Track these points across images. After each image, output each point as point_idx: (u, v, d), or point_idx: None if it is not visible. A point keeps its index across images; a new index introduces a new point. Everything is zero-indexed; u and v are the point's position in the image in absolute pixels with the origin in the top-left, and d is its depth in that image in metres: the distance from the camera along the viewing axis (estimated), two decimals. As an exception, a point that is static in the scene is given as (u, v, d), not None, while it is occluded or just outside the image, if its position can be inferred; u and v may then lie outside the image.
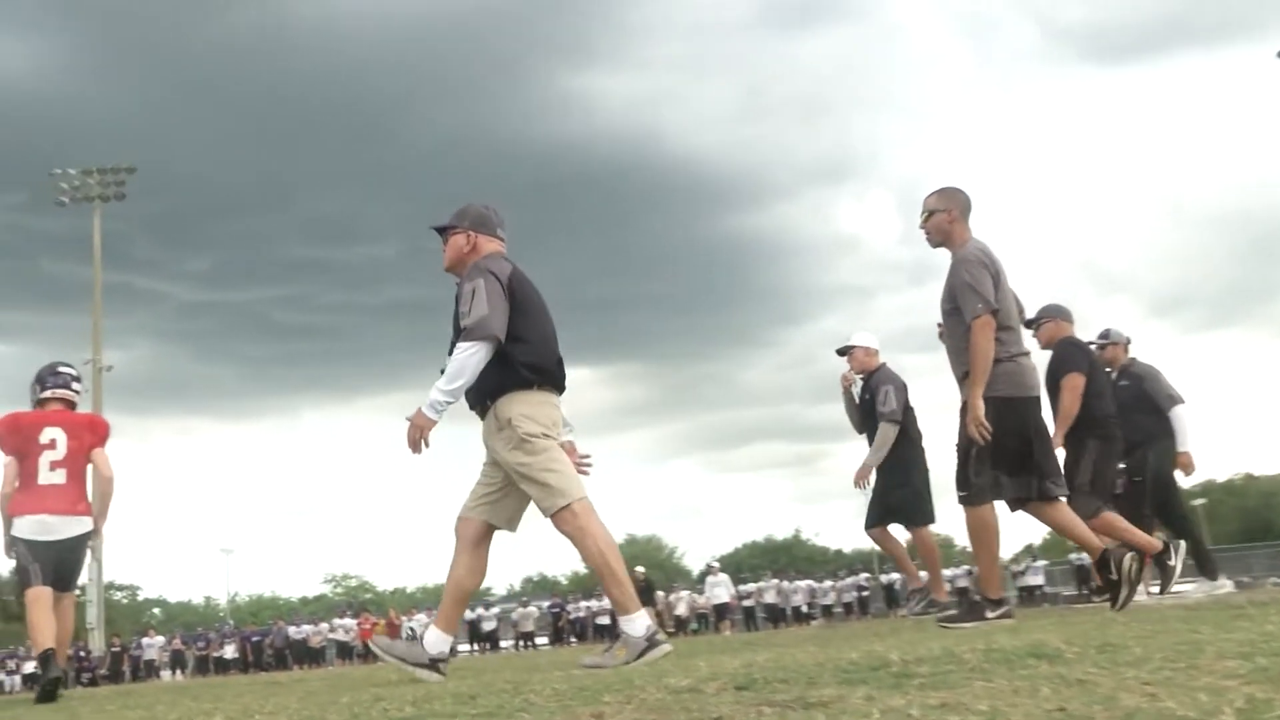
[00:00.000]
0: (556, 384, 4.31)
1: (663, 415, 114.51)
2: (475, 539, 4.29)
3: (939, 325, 5.73)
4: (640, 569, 33.82)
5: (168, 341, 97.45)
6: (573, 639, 29.29)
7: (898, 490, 7.45)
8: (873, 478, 7.54)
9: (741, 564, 58.21)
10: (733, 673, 2.45)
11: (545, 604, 33.00)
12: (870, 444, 7.55)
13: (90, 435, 6.44)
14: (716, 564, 31.51)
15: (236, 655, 30.73)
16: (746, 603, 29.47)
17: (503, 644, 30.87)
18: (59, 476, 6.27)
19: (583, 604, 30.86)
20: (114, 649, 31.49)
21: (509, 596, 58.14)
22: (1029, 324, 6.79)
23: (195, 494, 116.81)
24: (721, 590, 28.03)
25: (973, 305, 5.02)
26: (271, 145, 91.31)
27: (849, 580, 30.59)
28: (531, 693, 2.52)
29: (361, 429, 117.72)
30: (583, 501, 4.12)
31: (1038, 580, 29.14)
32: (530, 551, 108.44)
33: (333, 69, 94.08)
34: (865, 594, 30.10)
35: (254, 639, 31.73)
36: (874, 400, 7.54)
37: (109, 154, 49.88)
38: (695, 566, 68.19)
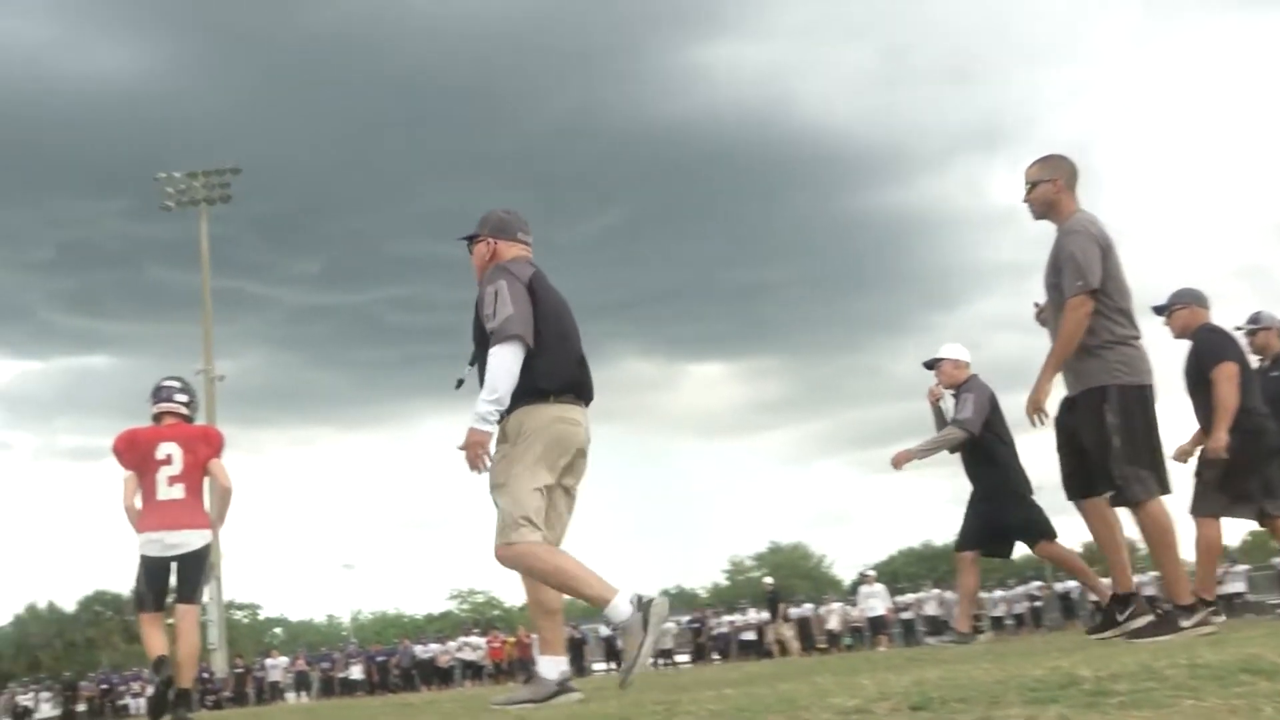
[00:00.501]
0: (578, 392, 4.43)
1: (804, 412, 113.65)
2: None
3: (1036, 306, 5.70)
4: (768, 579, 33.68)
5: (280, 348, 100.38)
6: (715, 656, 29.33)
7: (1005, 513, 7.49)
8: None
9: (898, 573, 57.45)
10: (904, 691, 2.43)
11: (684, 619, 33.11)
12: (966, 462, 7.64)
13: (205, 447, 6.86)
14: (872, 572, 31.14)
15: (362, 676, 31.57)
16: (905, 615, 29.06)
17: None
18: (177, 491, 6.72)
19: (725, 618, 30.89)
20: (237, 670, 32.75)
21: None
22: (1159, 310, 6.72)
23: (314, 507, 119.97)
24: (877, 601, 27.68)
25: (1072, 281, 5.01)
26: (381, 138, 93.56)
27: (1019, 590, 29.90)
28: (685, 714, 2.55)
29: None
30: (541, 544, 4.23)
31: (1239, 587, 28.02)
32: (666, 563, 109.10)
33: (443, 54, 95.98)
34: (1038, 604, 29.40)
35: (379, 659, 32.59)
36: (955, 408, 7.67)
37: (213, 155, 51.92)
38: (846, 576, 67.66)
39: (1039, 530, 7.51)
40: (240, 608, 77.59)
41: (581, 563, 4.27)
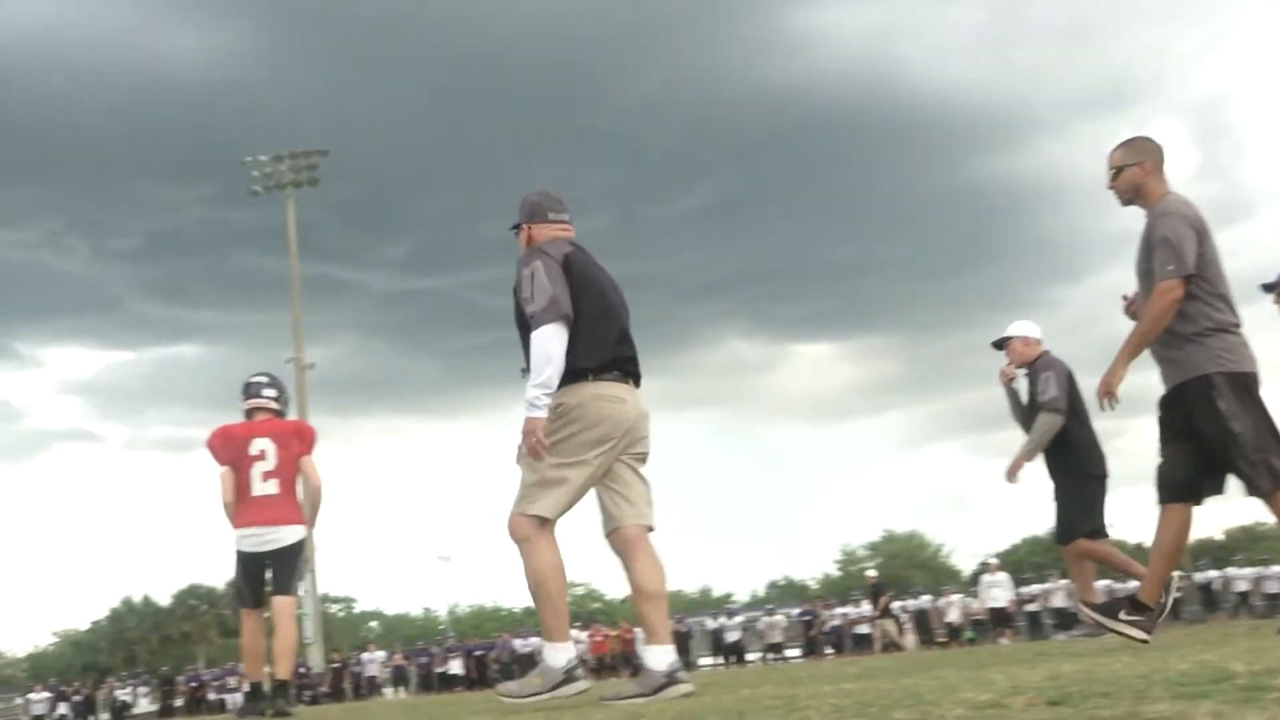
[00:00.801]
0: (623, 369, 4.50)
1: (917, 394, 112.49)
2: (626, 548, 4.51)
3: (1125, 300, 5.62)
4: (872, 571, 33.39)
5: (368, 335, 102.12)
6: (829, 650, 29.24)
7: (1070, 498, 7.47)
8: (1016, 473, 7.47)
9: (1022, 562, 56.60)
10: (1039, 686, 2.41)
11: (794, 611, 33.07)
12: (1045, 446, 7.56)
13: (298, 443, 7.11)
14: (994, 561, 30.71)
15: (462, 671, 32.04)
16: (1030, 607, 28.66)
17: (749, 656, 31.09)
18: (272, 487, 7.01)
19: (837, 610, 30.76)
20: (334, 665, 33.49)
21: (753, 604, 58.57)
22: (1269, 288, 6.57)
23: (407, 498, 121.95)
24: (1000, 592, 27.29)
25: (1163, 265, 4.95)
26: (468, 116, 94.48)
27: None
28: (808, 708, 2.55)
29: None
30: (549, 521, 4.37)
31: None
32: (774, 554, 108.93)
33: (530, 28, 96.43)
34: (1178, 595, 28.73)
35: (477, 653, 33.05)
36: (1035, 390, 7.57)
37: (299, 138, 52.94)
38: (966, 566, 66.87)
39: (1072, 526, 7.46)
40: (335, 601, 79.32)
41: (564, 588, 4.42)
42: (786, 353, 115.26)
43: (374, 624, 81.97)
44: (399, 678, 33.45)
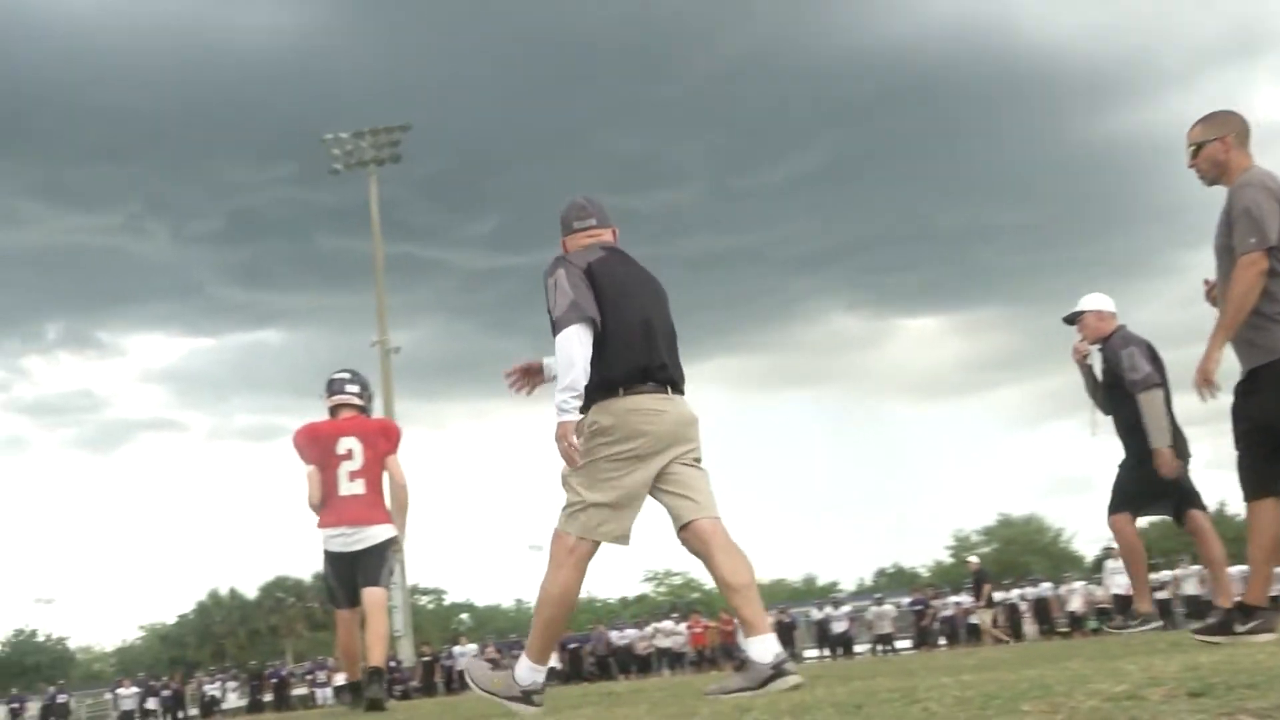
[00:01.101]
0: (658, 379, 4.55)
1: (1033, 369, 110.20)
2: (701, 544, 4.62)
3: (1206, 284, 5.53)
4: (973, 558, 32.94)
5: (454, 316, 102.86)
6: (942, 641, 29.03)
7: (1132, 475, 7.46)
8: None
9: (1151, 547, 55.54)
10: (1177, 677, 2.38)
11: (905, 600, 32.85)
12: (1120, 423, 7.55)
13: (384, 441, 7.27)
14: (1117, 546, 30.19)
15: (558, 664, 32.32)
16: (1159, 595, 28.12)
17: (857, 648, 30.99)
18: (359, 487, 7.20)
19: (950, 599, 30.51)
20: (424, 659, 33.98)
21: (860, 592, 58.27)
22: None
23: (498, 484, 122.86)
24: (1124, 579, 26.84)
25: (1244, 238, 4.86)
26: (553, 87, 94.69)
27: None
28: (928, 700, 2.54)
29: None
30: (584, 542, 4.49)
31: None
32: (882, 540, 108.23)
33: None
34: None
35: (571, 645, 33.32)
36: (1115, 369, 7.50)
37: (380, 114, 53.62)
38: (1088, 551, 65.81)
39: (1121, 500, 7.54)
40: (425, 593, 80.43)
41: (563, 619, 4.62)
42: (893, 327, 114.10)
43: (465, 616, 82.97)
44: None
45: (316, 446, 7.34)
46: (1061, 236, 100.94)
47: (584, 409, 4.49)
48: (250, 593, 65.85)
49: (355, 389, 7.57)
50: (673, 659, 31.43)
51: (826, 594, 51.29)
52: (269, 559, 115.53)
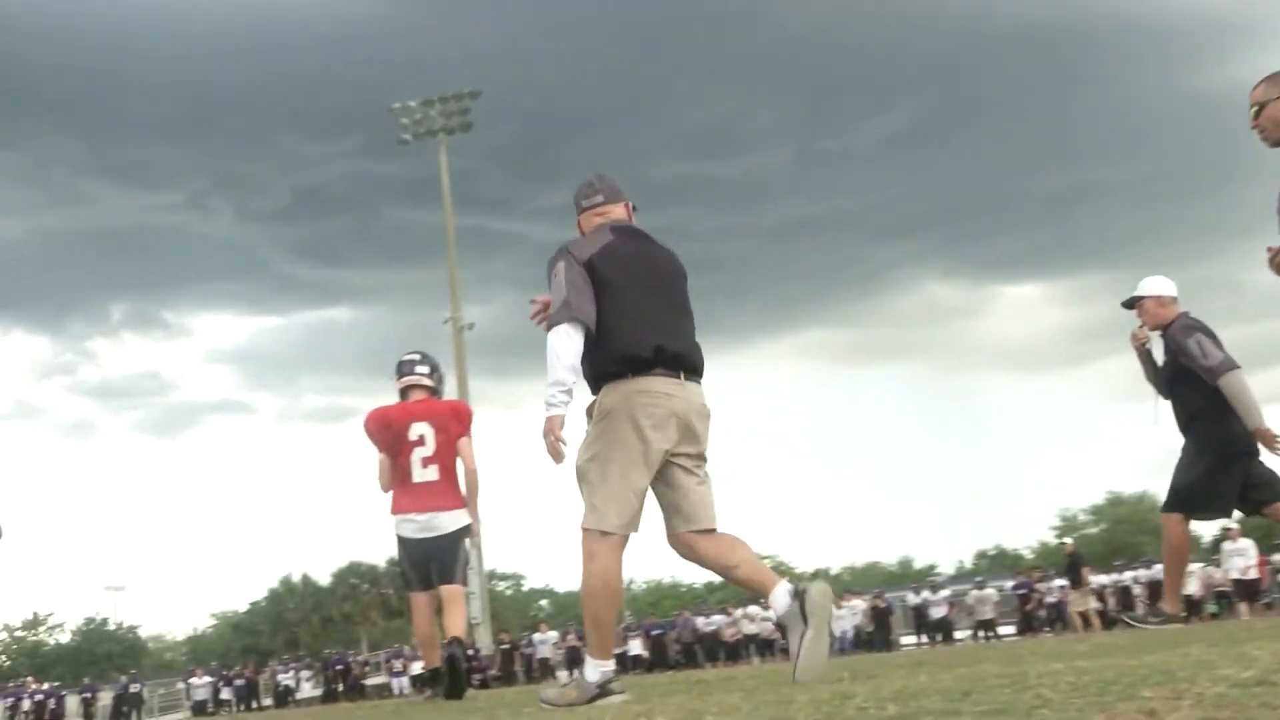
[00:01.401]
0: (668, 364, 4.66)
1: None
2: (686, 549, 4.78)
3: (1270, 251, 5.50)
4: (1068, 540, 32.49)
5: (529, 290, 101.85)
6: (1047, 630, 28.74)
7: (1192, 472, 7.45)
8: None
9: (1272, 528, 54.64)
10: (1310, 661, 2.34)
11: (1008, 584, 32.55)
12: (1179, 413, 7.59)
13: (456, 424, 7.36)
14: (1235, 526, 29.65)
15: (644, 652, 32.48)
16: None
17: (956, 634, 30.79)
18: (432, 473, 7.35)
19: (1056, 583, 30.17)
20: (503, 646, 34.31)
21: (960, 576, 57.91)
22: None
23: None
24: (1242, 561, 26.38)
25: None
26: (629, 50, 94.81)
27: None
28: (1040, 686, 2.53)
29: (759, 379, 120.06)
30: (612, 535, 4.57)
31: None
32: (983, 520, 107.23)
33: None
34: None
35: (655, 632, 33.47)
36: (1179, 356, 7.50)
37: (449, 81, 53.86)
38: (1205, 531, 64.79)
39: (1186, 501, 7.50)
40: (503, 578, 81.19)
41: (611, 606, 4.64)
42: (991, 295, 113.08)
43: (544, 603, 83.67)
44: (573, 660, 34.03)
45: (388, 433, 7.46)
46: (1172, 195, 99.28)
47: (593, 391, 4.72)
48: (323, 579, 66.77)
49: (425, 370, 7.67)
50: (762, 646, 31.43)
51: (924, 578, 50.92)
52: (342, 544, 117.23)
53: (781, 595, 4.47)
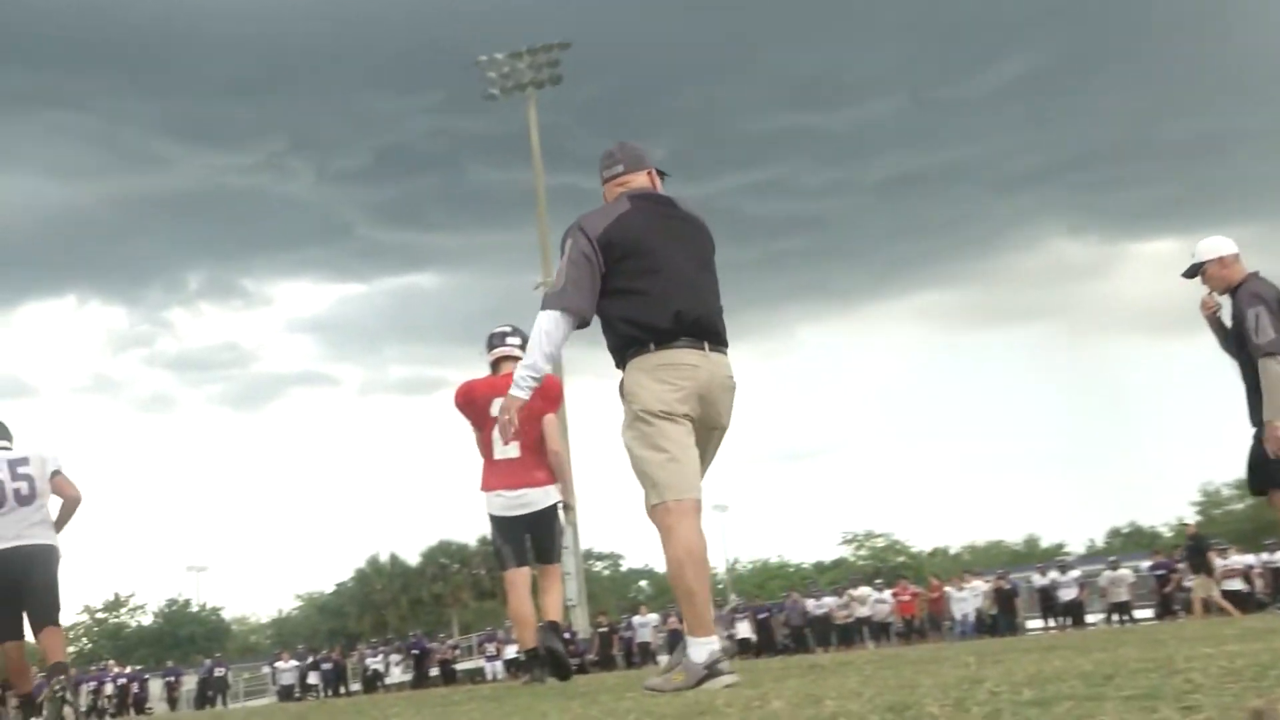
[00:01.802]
0: (692, 334, 4.83)
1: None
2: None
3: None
4: (1191, 521, 31.82)
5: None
6: (1182, 613, 28.31)
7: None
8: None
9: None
10: None
11: (1144, 565, 32.08)
12: (1247, 382, 7.60)
13: (540, 399, 7.45)
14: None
15: (752, 635, 32.50)
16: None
17: (1089, 617, 30.44)
18: (512, 450, 7.55)
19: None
20: (601, 629, 34.52)
21: (1091, 555, 57.19)
22: None
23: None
24: None
25: None
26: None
27: None
28: (1189, 670, 2.49)
29: (869, 345, 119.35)
30: (681, 501, 4.70)
31: None
32: (1115, 495, 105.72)
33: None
34: None
35: (762, 614, 33.48)
36: (1240, 327, 7.58)
37: (538, 31, 53.97)
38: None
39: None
40: (600, 558, 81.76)
41: (702, 577, 4.72)
42: (1123, 252, 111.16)
43: (644, 583, 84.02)
44: (675, 643, 34.02)
45: (472, 408, 7.67)
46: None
47: (618, 366, 4.93)
48: (412, 559, 67.42)
49: (516, 341, 7.80)
50: (876, 630, 31.32)
51: (1051, 557, 50.41)
52: (431, 523, 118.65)
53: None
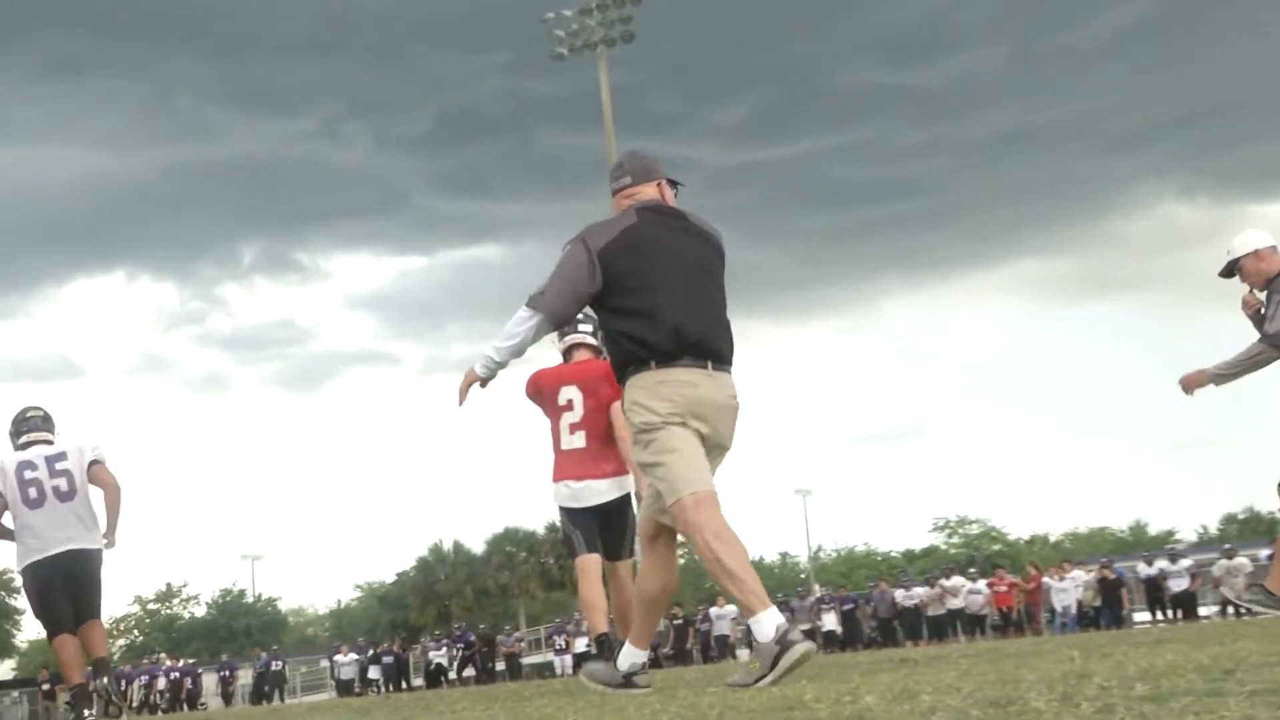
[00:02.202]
0: (694, 353, 5.05)
1: None
2: (651, 536, 5.28)
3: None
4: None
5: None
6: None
7: None
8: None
9: None
10: None
11: (1263, 553, 31.70)
12: None
13: (609, 388, 7.58)
14: None
15: (838, 627, 32.45)
16: None
17: (1202, 610, 30.15)
18: (579, 440, 7.68)
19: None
20: (676, 622, 34.57)
21: (1204, 543, 56.59)
22: None
23: (758, 420, 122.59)
24: None
25: None
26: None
27: None
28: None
29: (967, 317, 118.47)
30: (696, 495, 4.90)
31: None
32: (1231, 479, 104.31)
33: None
34: None
35: (847, 607, 33.41)
36: (1266, 313, 7.74)
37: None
38: None
39: None
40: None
41: (740, 557, 4.90)
42: (1240, 216, 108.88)
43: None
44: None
45: (540, 397, 7.79)
46: None
47: (619, 383, 5.25)
48: (477, 547, 67.72)
49: (589, 328, 7.85)
50: (970, 622, 31.18)
51: (1160, 545, 50.04)
52: (497, 509, 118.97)
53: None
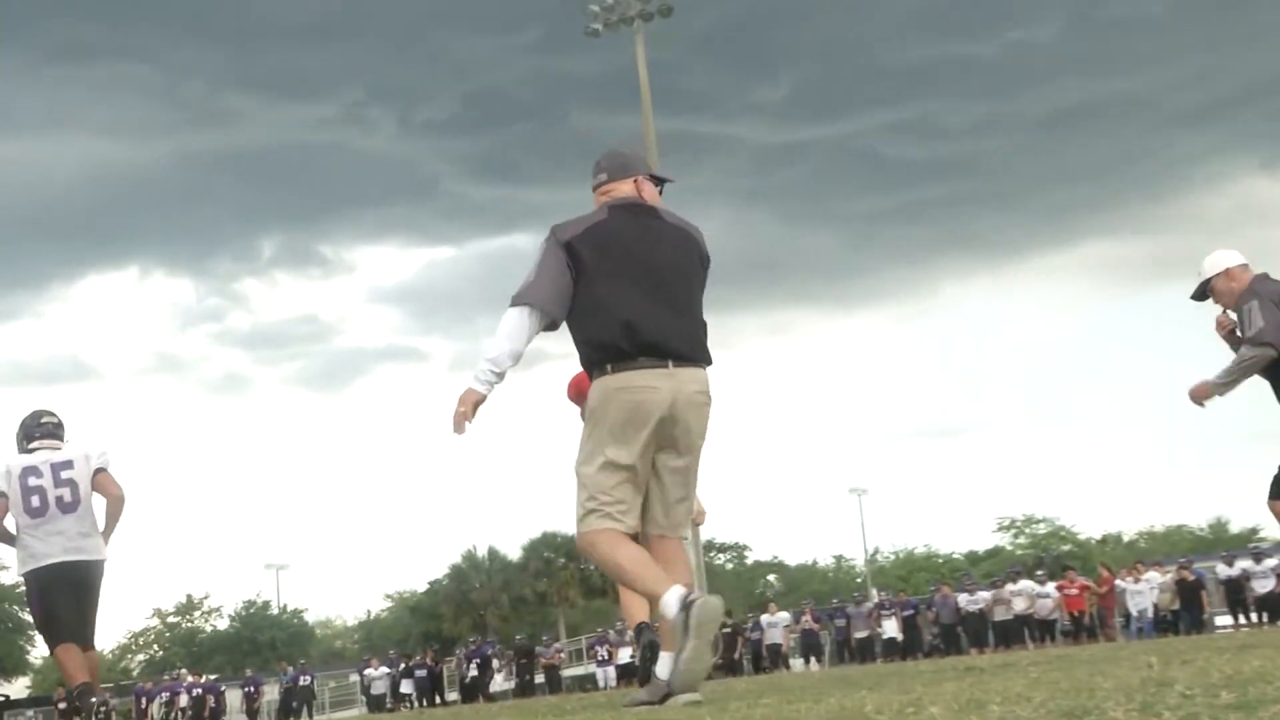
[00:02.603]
0: (655, 353, 5.23)
1: None
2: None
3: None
4: None
5: (745, 204, 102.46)
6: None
7: None
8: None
9: None
10: None
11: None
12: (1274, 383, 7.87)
13: None
14: None
15: (898, 634, 32.34)
16: None
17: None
18: None
19: None
20: (725, 630, 34.54)
21: (1289, 541, 56.09)
22: None
23: (808, 415, 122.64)
24: None
25: None
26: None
27: None
28: None
29: (1029, 302, 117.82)
30: (608, 531, 5.22)
31: None
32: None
33: None
34: None
35: (907, 613, 33.30)
36: (1241, 327, 7.82)
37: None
38: None
39: None
40: (723, 550, 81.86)
41: (644, 558, 5.20)
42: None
43: (772, 578, 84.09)
44: (810, 646, 34.03)
45: (582, 399, 7.74)
46: None
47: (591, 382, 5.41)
48: (513, 554, 67.82)
49: None
50: (1039, 628, 31.04)
51: (1243, 544, 49.65)
52: (534, 513, 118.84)
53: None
